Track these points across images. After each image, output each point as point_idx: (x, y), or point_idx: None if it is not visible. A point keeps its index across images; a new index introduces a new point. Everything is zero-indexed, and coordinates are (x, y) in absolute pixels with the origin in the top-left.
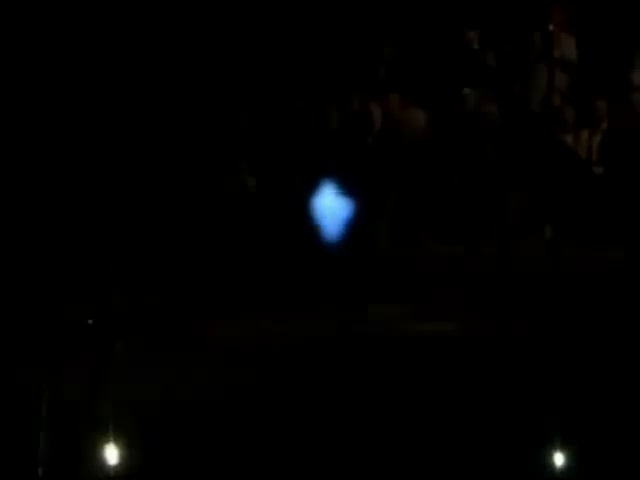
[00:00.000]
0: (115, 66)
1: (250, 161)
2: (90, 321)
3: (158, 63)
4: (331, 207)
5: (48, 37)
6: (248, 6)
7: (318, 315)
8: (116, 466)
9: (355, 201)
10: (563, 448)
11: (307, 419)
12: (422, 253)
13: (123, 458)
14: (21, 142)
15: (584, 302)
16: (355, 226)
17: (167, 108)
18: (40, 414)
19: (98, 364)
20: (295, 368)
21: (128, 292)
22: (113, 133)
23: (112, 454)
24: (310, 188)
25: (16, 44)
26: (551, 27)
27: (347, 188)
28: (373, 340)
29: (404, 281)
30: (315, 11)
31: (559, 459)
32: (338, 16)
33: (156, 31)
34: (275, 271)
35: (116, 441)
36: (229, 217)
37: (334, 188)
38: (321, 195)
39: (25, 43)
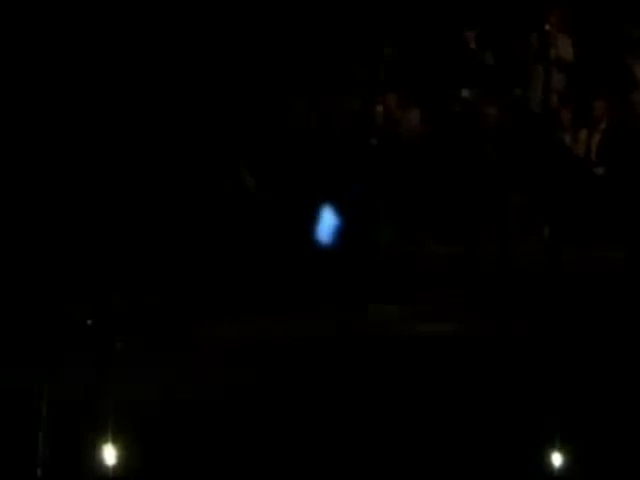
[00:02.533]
0: (116, 68)
1: (250, 162)
2: (90, 321)
3: (159, 65)
4: (331, 207)
5: (48, 38)
6: (248, 7)
7: (318, 315)
8: (116, 466)
9: (355, 201)
10: (563, 448)
11: (307, 419)
12: (422, 253)
13: (123, 458)
14: (22, 143)
15: (584, 302)
16: (355, 226)
17: (167, 109)
18: (40, 414)
19: (98, 364)
20: (295, 368)
21: (128, 292)
22: (113, 134)
23: (112, 454)
24: (310, 188)
25: (16, 45)
26: (548, 27)
27: (347, 188)
28: (373, 340)
29: (404, 281)
30: (315, 11)
31: (559, 459)
32: (338, 16)
33: (156, 33)
34: (275, 271)
35: (116, 441)
36: (229, 217)
37: (334, 188)
38: (321, 195)
39: (25, 44)
